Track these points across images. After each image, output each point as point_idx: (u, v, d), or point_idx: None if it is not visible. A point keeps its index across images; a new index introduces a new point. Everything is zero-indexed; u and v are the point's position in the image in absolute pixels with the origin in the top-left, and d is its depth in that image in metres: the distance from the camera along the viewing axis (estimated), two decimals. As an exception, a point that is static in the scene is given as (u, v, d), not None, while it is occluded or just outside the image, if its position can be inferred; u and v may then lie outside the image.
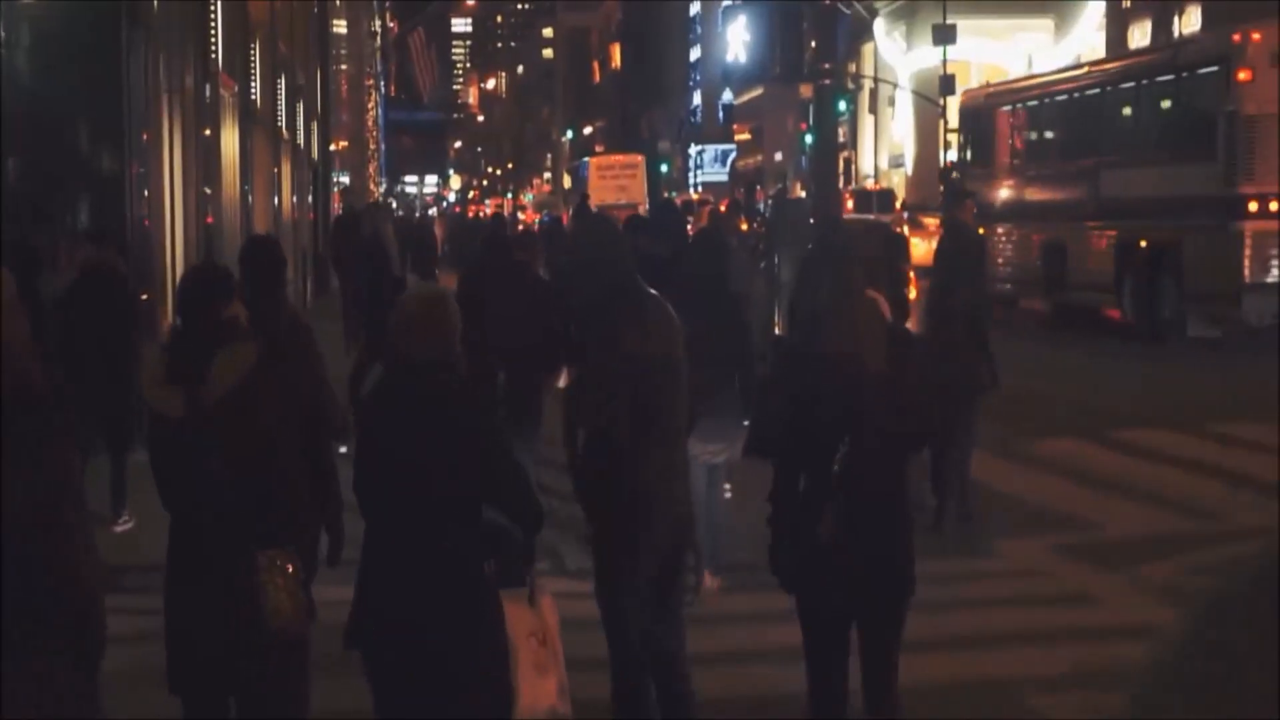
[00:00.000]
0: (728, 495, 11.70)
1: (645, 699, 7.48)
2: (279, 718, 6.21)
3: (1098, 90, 30.83)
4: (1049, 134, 32.79)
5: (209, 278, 6.44)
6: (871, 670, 6.90)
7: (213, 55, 25.69)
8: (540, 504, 6.35)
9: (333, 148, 59.03)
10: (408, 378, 6.03)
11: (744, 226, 26.01)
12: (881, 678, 6.87)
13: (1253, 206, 24.24)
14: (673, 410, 7.33)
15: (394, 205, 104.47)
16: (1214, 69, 26.13)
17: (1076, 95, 31.71)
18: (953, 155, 44.68)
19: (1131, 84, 29.47)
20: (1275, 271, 23.82)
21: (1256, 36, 25.42)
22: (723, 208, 24.37)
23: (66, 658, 5.03)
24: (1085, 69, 35.91)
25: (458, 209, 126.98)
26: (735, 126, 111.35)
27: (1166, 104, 28.02)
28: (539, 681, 6.46)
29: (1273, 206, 24.00)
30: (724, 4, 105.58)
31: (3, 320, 5.01)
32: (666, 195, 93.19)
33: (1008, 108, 34.49)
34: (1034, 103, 33.89)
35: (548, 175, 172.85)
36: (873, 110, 72.39)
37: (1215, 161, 24.95)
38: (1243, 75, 24.81)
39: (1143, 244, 26.77)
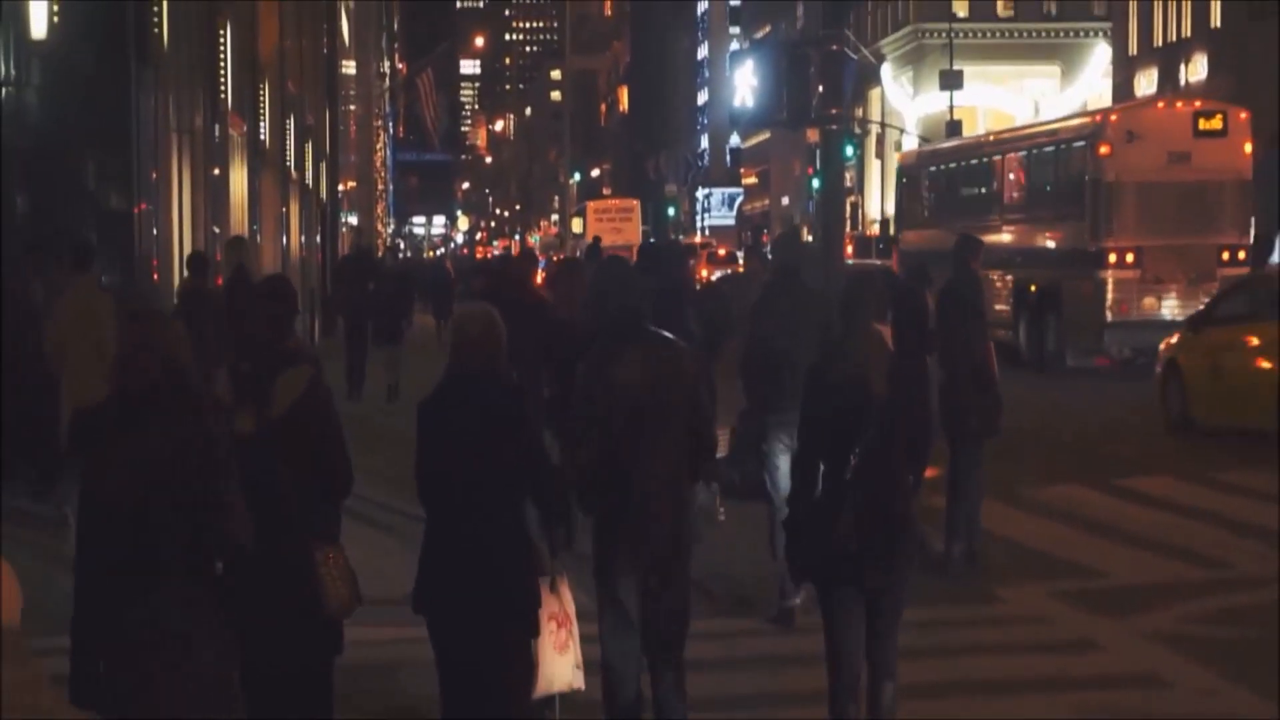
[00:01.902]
0: (721, 517, 11.76)
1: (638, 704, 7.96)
2: (325, 694, 7.17)
3: (999, 156, 36.22)
4: (963, 191, 38.10)
5: (274, 316, 7.33)
6: (877, 640, 7.79)
7: (222, 95, 25.79)
8: (566, 500, 7.45)
9: (341, 188, 59.13)
10: (466, 385, 7.15)
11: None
12: (885, 647, 7.81)
13: (1113, 258, 29.18)
14: (664, 441, 7.77)
15: (401, 245, 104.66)
16: (1082, 143, 31.36)
17: (983, 160, 37.46)
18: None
19: (1023, 153, 35.08)
20: (1132, 312, 28.61)
21: (1114, 118, 32.05)
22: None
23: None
24: (990, 137, 42.44)
25: (465, 250, 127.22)
26: (742, 170, 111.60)
27: (1049, 171, 33.37)
28: (558, 660, 7.46)
29: (1129, 258, 28.96)
30: (731, 49, 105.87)
31: (166, 336, 5.94)
32: (673, 237, 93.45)
33: (933, 168, 40.35)
34: (952, 164, 39.66)
35: (555, 217, 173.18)
36: (879, 155, 72.52)
37: (1084, 220, 29.97)
38: (1103, 149, 29.96)
39: (1033, 288, 31.23)
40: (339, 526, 7.27)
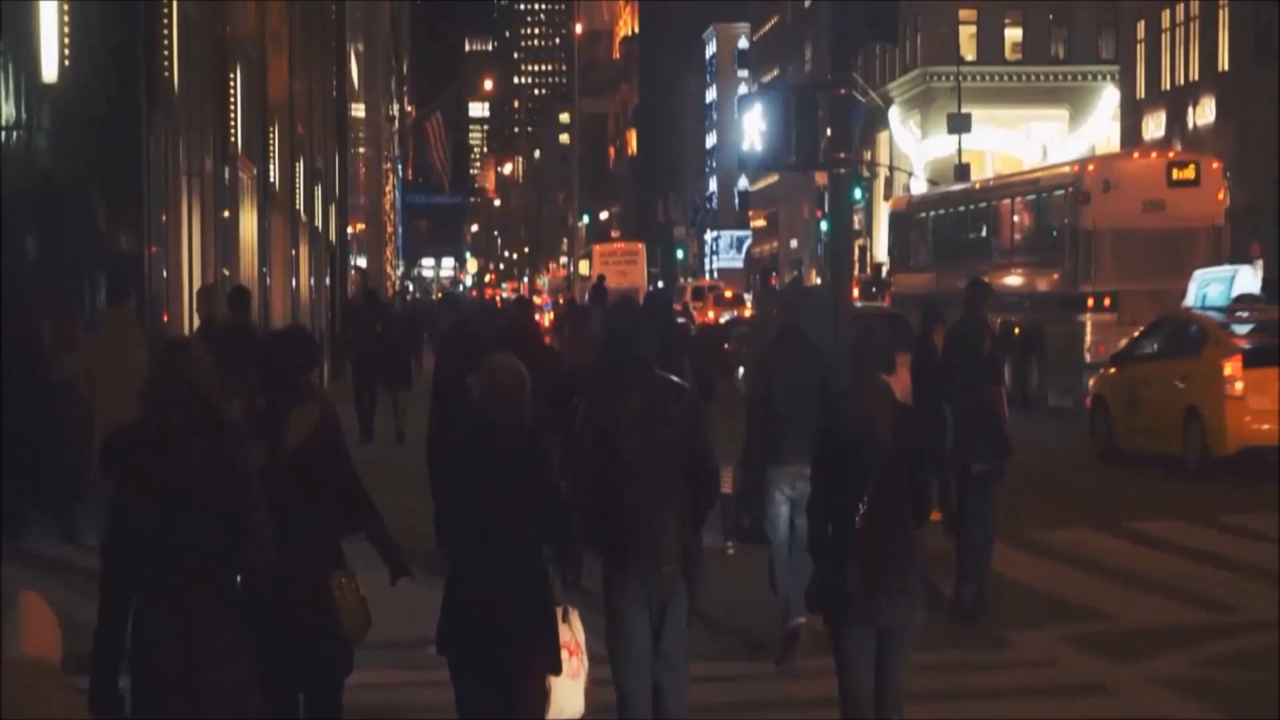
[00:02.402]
0: (730, 551, 11.87)
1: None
2: (335, 712, 7.46)
3: (985, 203, 38.13)
4: (951, 236, 39.66)
5: (291, 356, 7.71)
6: (884, 678, 8.10)
7: (232, 138, 25.88)
8: (578, 534, 7.83)
9: (350, 230, 59.26)
10: (492, 430, 7.38)
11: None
12: (891, 684, 8.11)
13: (1091, 302, 30.58)
14: (667, 481, 8.08)
15: (410, 288, 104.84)
16: (1062, 192, 32.99)
17: (970, 207, 39.42)
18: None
19: (1008, 200, 36.61)
20: (1110, 354, 27.91)
21: (1092, 168, 33.23)
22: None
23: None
24: (977, 185, 44.10)
25: (474, 293, 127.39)
26: (751, 212, 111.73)
27: (1032, 218, 35.22)
28: (570, 686, 7.67)
29: (1107, 302, 30.31)
30: (740, 92, 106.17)
31: (196, 367, 6.34)
32: (681, 281, 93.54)
33: (923, 214, 41.93)
34: (940, 211, 41.33)
35: (564, 259, 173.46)
36: (888, 198, 72.62)
37: (1064, 265, 31.56)
38: (1083, 198, 31.47)
39: (1017, 330, 32.02)
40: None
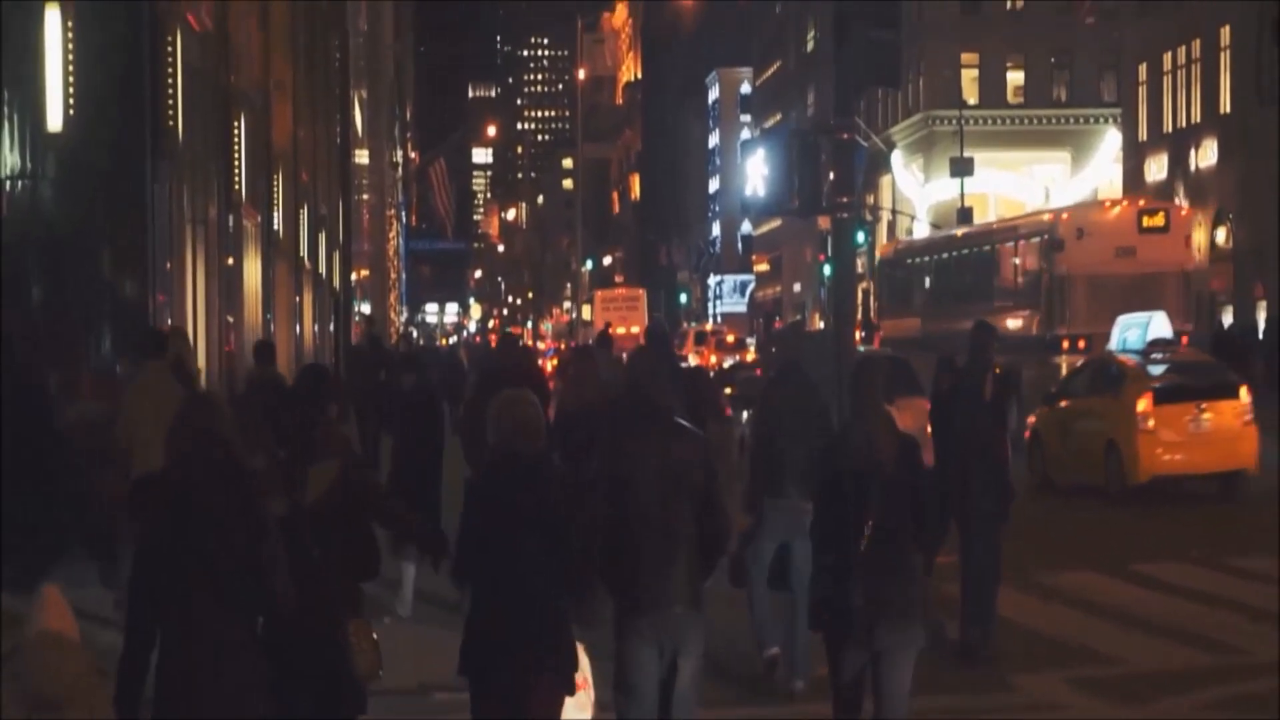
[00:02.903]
0: None
1: None
2: None
3: (968, 251, 40.46)
4: (936, 282, 41.87)
5: (305, 410, 8.28)
6: (885, 702, 8.40)
7: (236, 186, 25.95)
8: (587, 566, 7.91)
9: (354, 276, 59.31)
10: (513, 465, 7.69)
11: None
12: (894, 708, 8.38)
13: (1066, 344, 32.32)
14: (678, 524, 8.18)
15: (414, 333, 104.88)
16: (1038, 239, 34.99)
17: (954, 254, 41.76)
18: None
19: (988, 247, 38.87)
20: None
21: (1066, 216, 35.55)
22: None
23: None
24: (959, 233, 46.51)
25: (478, 339, 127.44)
26: (754, 257, 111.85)
27: (1010, 264, 37.22)
28: (580, 716, 8.01)
29: (1081, 344, 31.55)
30: (742, 136, 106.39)
31: (221, 419, 6.81)
32: (685, 325, 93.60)
33: (910, 260, 44.04)
34: (925, 258, 43.55)
35: (567, 304, 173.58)
36: (891, 241, 72.73)
37: (1041, 309, 33.26)
38: (1058, 245, 33.47)
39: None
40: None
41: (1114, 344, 26.96)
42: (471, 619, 7.72)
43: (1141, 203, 37.40)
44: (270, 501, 7.17)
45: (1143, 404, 22.47)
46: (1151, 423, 22.29)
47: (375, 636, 7.87)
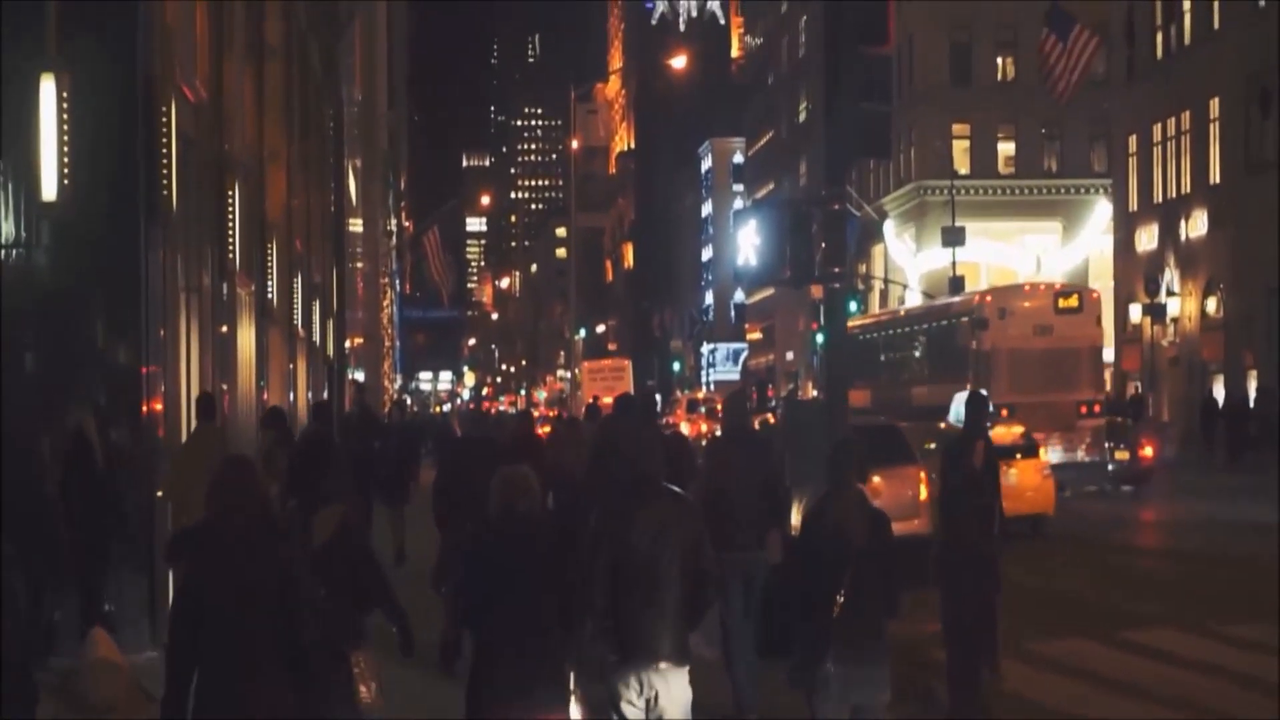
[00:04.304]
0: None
1: None
2: None
3: (908, 328, 44.90)
4: (881, 355, 45.72)
5: (314, 467, 9.40)
6: None
7: (230, 254, 26.01)
8: (582, 613, 8.54)
9: (348, 344, 59.41)
10: (516, 524, 8.34)
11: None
12: None
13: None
14: (667, 589, 8.75)
15: (409, 401, 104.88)
16: (965, 318, 38.42)
17: (897, 331, 46.27)
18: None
19: (927, 325, 42.93)
20: None
21: (989, 298, 38.96)
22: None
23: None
24: (902, 312, 52.52)
25: (471, 406, 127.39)
26: (747, 325, 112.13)
27: (942, 341, 40.45)
28: None
29: (1004, 413, 33.13)
30: (735, 206, 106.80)
31: (256, 478, 7.60)
32: (678, 394, 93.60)
33: (861, 336, 45.23)
34: (873, 334, 47.22)
35: (560, 372, 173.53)
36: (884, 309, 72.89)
37: (969, 381, 35.11)
38: (982, 324, 37.05)
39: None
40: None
41: (951, 417, 29.08)
42: (474, 665, 8.30)
43: (1058, 285, 41.46)
44: (293, 545, 7.89)
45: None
46: None
47: (375, 667, 8.53)
